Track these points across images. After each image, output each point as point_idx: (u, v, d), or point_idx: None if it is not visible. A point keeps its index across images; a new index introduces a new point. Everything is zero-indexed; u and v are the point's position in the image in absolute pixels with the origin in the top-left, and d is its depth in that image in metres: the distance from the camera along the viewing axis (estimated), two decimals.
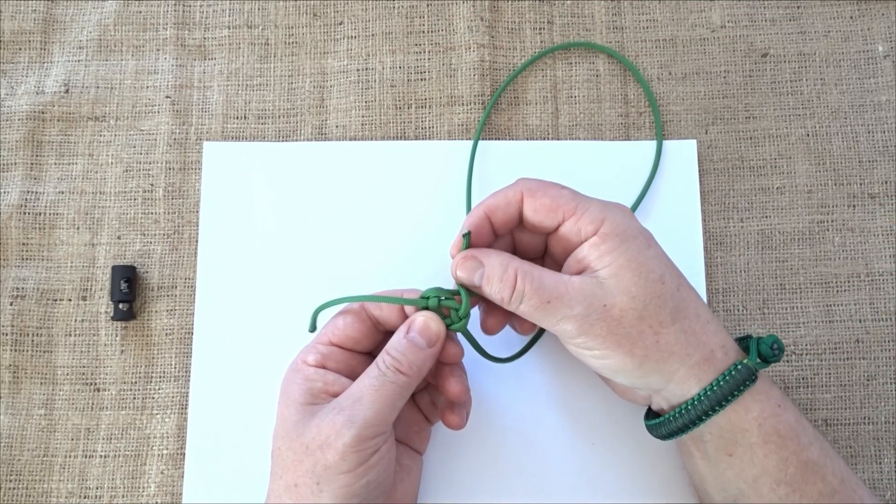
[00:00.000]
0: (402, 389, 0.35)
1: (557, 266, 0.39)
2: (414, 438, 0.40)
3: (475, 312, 0.40)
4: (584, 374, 0.44)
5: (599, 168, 0.47)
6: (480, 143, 0.48)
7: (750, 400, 0.35)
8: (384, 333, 0.39)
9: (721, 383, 0.35)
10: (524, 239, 0.40)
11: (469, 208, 0.46)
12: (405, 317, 0.38)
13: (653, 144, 0.47)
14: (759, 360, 0.36)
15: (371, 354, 0.39)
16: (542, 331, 0.44)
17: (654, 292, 0.35)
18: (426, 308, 0.37)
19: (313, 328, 0.39)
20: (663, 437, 0.38)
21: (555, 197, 0.37)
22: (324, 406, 0.35)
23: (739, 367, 0.35)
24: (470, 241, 0.38)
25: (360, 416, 0.34)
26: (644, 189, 0.46)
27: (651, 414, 0.39)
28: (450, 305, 0.37)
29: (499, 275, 0.36)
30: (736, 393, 0.35)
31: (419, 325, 0.36)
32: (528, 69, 0.49)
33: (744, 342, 0.38)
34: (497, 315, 0.39)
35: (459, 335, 0.39)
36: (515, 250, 0.41)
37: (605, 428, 0.44)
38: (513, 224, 0.39)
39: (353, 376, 0.37)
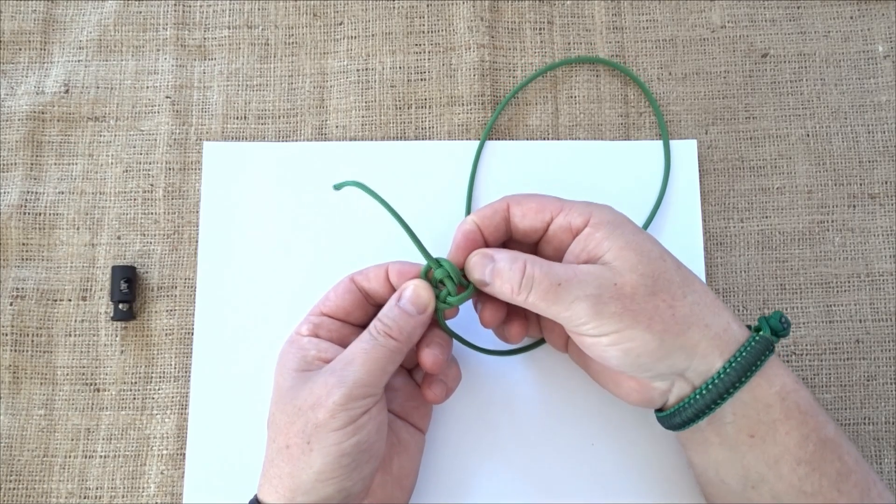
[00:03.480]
0: (393, 353, 0.36)
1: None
2: (413, 414, 0.41)
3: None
4: (584, 373, 0.44)
5: (603, 169, 0.47)
6: (487, 142, 0.48)
7: (772, 373, 0.35)
8: (375, 307, 0.40)
9: (744, 353, 0.35)
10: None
11: (469, 209, 0.46)
12: (393, 290, 0.38)
13: (657, 144, 0.47)
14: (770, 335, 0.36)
15: (364, 327, 0.40)
16: (528, 346, 0.44)
17: (659, 268, 0.35)
18: (438, 266, 0.37)
19: (339, 187, 0.39)
20: (682, 424, 0.36)
21: (540, 200, 0.38)
22: (317, 371, 0.36)
23: (758, 337, 0.35)
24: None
25: (350, 377, 0.35)
26: (660, 196, 0.46)
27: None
28: (448, 287, 0.37)
29: (508, 265, 0.36)
30: (759, 363, 0.35)
31: (409, 293, 0.37)
32: (528, 70, 0.49)
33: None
34: (496, 306, 0.39)
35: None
36: None
37: (605, 428, 0.44)
38: (500, 235, 0.39)
39: (345, 345, 0.38)
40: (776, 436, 0.35)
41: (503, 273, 0.36)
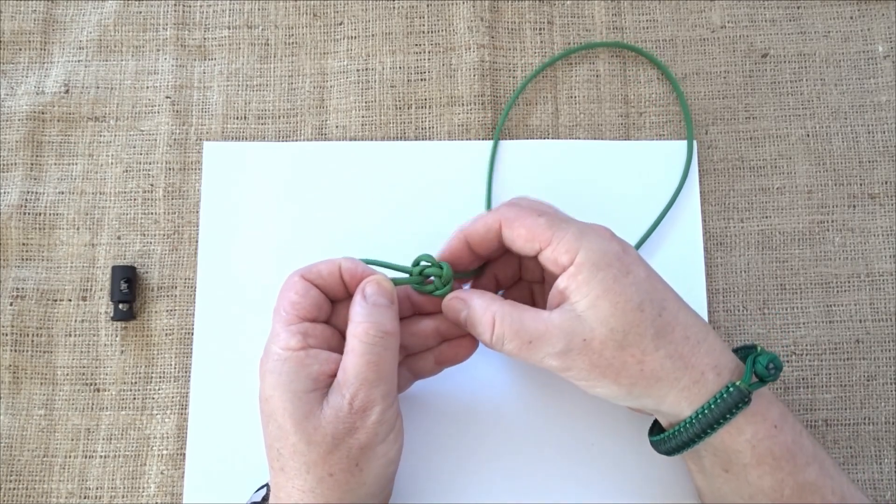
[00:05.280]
0: (393, 349, 0.36)
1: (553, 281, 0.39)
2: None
3: None
4: None
5: (603, 169, 0.47)
6: (488, 142, 0.48)
7: (743, 422, 0.35)
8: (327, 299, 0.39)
9: (712, 406, 0.35)
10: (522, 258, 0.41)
11: (489, 208, 0.46)
12: (342, 281, 0.38)
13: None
14: (755, 380, 0.35)
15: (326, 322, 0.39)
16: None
17: (632, 321, 0.34)
18: (416, 265, 0.39)
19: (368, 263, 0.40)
20: (666, 454, 0.38)
21: (531, 227, 0.37)
22: (329, 393, 0.35)
23: (731, 389, 0.35)
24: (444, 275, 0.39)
25: (377, 395, 0.35)
26: (676, 191, 0.46)
27: (655, 428, 0.40)
28: (433, 273, 0.39)
29: (478, 318, 0.37)
30: (728, 416, 0.34)
31: (373, 289, 0.37)
32: (528, 70, 0.49)
33: (744, 352, 0.38)
34: None
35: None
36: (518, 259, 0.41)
37: (604, 428, 0.44)
38: (494, 249, 0.39)
39: (333, 348, 0.37)
40: (748, 477, 0.36)
41: (476, 325, 0.37)
